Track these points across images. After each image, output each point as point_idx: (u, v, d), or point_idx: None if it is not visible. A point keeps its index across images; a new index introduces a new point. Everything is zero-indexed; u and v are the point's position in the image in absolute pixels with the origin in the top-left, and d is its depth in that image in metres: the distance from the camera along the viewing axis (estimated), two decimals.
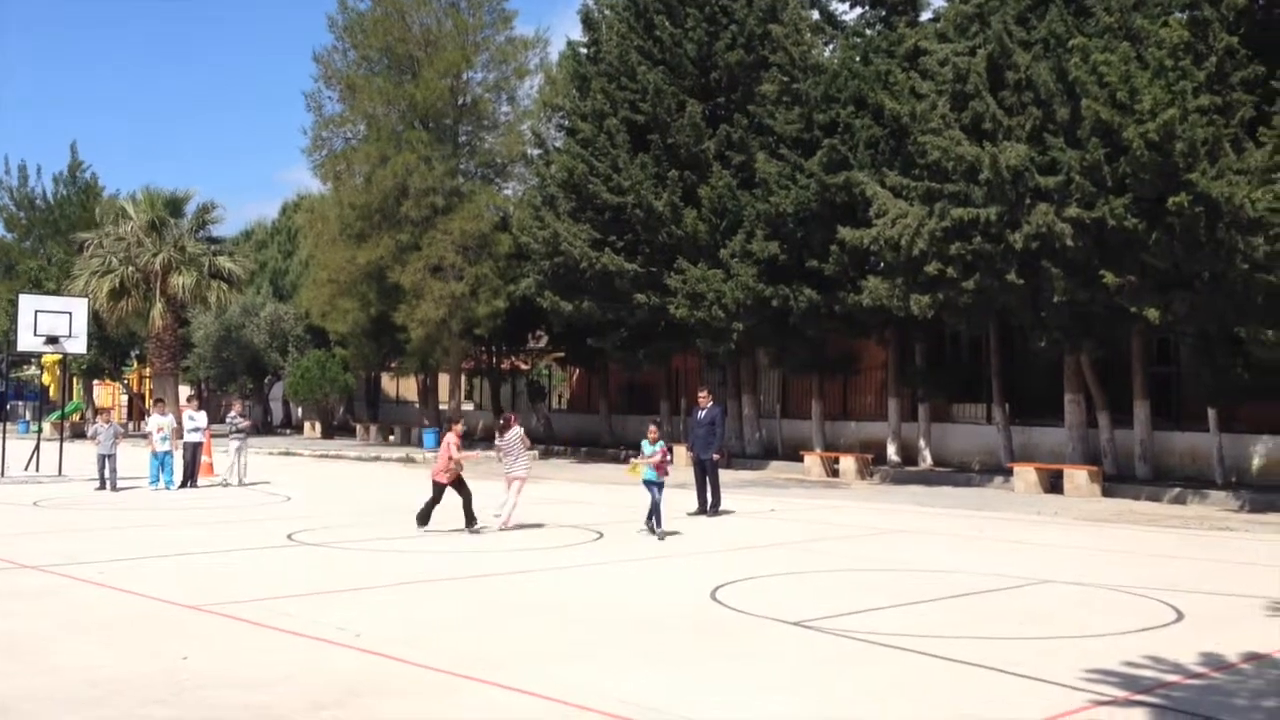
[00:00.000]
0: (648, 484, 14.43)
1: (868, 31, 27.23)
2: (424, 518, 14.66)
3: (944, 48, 22.29)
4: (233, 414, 23.19)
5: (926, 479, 24.26)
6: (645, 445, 14.75)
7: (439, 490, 14.80)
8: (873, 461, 25.82)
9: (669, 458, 14.95)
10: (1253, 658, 7.69)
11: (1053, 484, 21.65)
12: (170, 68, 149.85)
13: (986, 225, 20.02)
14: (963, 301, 21.21)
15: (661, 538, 13.89)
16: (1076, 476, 21.22)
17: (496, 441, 15.56)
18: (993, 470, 23.93)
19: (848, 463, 25.61)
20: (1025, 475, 22.07)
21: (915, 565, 12.11)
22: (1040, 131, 19.99)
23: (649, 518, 14.39)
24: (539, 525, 15.20)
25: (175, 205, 39.83)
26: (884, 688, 6.98)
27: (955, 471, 24.81)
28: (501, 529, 14.62)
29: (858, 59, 25.47)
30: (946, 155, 20.66)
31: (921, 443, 26.24)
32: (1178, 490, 19.93)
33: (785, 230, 24.99)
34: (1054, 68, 19.89)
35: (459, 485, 14.86)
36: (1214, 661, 7.63)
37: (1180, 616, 9.16)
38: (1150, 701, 6.63)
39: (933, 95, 21.62)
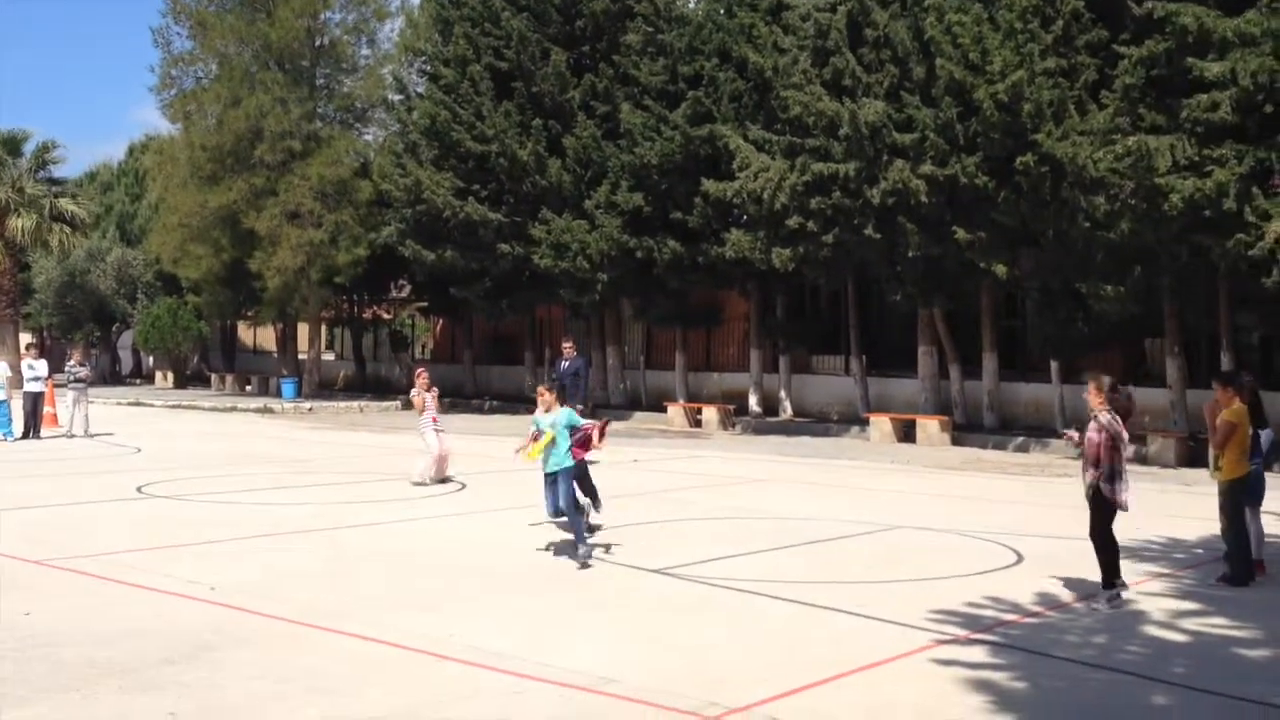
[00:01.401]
0: (553, 476, 9.62)
1: None
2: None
3: (806, 3, 22.55)
4: (71, 363, 22.26)
5: (786, 429, 24.79)
6: (539, 417, 9.84)
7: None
8: (735, 412, 26.25)
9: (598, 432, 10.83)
10: (1086, 598, 8.12)
11: (906, 433, 22.36)
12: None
13: (846, 180, 20.41)
14: (822, 255, 21.63)
15: (583, 562, 9.17)
16: (928, 426, 21.96)
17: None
18: (850, 420, 24.58)
19: (710, 413, 25.99)
20: (880, 425, 22.73)
21: (773, 513, 12.42)
22: (897, 89, 20.42)
23: (577, 533, 9.47)
24: (401, 477, 15.06)
25: (12, 144, 37.87)
26: (735, 631, 7.18)
27: (814, 421, 25.40)
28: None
29: (722, 11, 25.53)
30: (808, 110, 20.95)
31: (782, 393, 26.77)
32: (1022, 439, 20.80)
33: (650, 182, 25.05)
34: (911, 27, 20.30)
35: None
36: (1050, 601, 8.05)
37: (1020, 559, 9.62)
38: (990, 640, 6.97)
39: (795, 50, 21.87)
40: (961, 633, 7.10)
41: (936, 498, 14.06)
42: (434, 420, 14.87)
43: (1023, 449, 20.34)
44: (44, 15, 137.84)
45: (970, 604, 7.83)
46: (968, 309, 22.85)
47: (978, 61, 18.65)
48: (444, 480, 14.65)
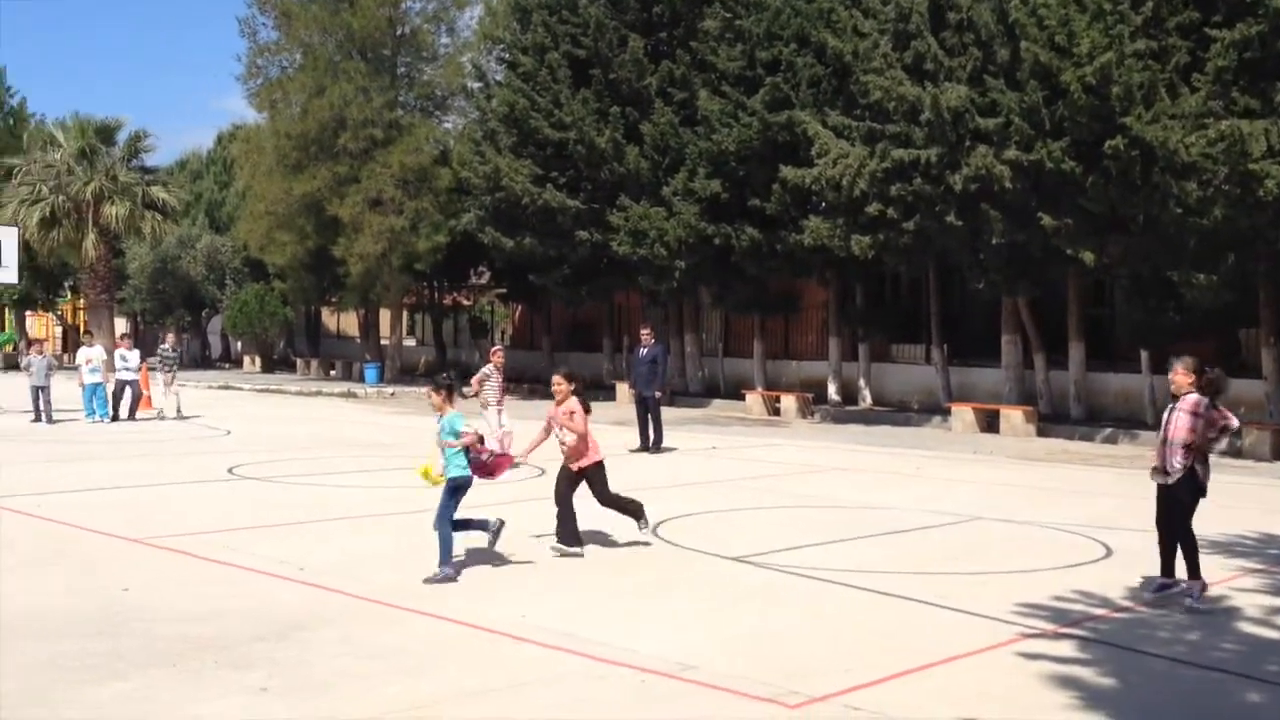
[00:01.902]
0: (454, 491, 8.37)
1: None
2: None
3: None
4: (165, 345, 22.86)
5: (866, 418, 24.59)
6: (450, 421, 8.32)
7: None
8: (813, 400, 26.08)
9: (490, 444, 9.66)
10: (1163, 592, 7.93)
11: (989, 424, 22.03)
12: None
13: (927, 166, 20.13)
14: (903, 242, 21.37)
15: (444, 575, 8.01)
16: (1012, 416, 21.61)
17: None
18: (931, 410, 24.29)
19: (788, 401, 25.86)
20: (962, 415, 22.43)
21: (852, 502, 12.33)
22: (981, 73, 20.05)
23: (442, 552, 8.16)
24: None
25: (106, 133, 38.82)
26: (817, 620, 7.14)
27: (894, 411, 25.15)
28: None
29: None
30: (888, 95, 20.68)
31: (861, 382, 26.54)
32: (1110, 430, 20.38)
33: (727, 168, 24.94)
34: (995, 9, 19.91)
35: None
36: (1140, 596, 7.89)
37: (1109, 553, 9.43)
38: (1077, 634, 6.86)
39: (875, 34, 21.59)
40: (1048, 627, 6.99)
41: (1021, 489, 13.85)
42: (499, 402, 15.02)
43: (1111, 440, 19.93)
44: (136, 6, 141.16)
45: (1057, 598, 7.70)
46: (1053, 297, 22.43)
47: (1064, 44, 18.24)
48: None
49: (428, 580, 7.89)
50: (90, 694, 5.46)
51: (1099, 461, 17.12)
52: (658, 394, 17.41)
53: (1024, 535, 10.34)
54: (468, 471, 8.29)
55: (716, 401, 28.39)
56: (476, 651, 6.32)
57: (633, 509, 9.34)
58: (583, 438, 9.04)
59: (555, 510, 8.97)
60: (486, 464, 8.40)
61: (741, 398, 27.33)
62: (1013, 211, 19.57)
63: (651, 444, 17.12)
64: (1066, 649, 6.54)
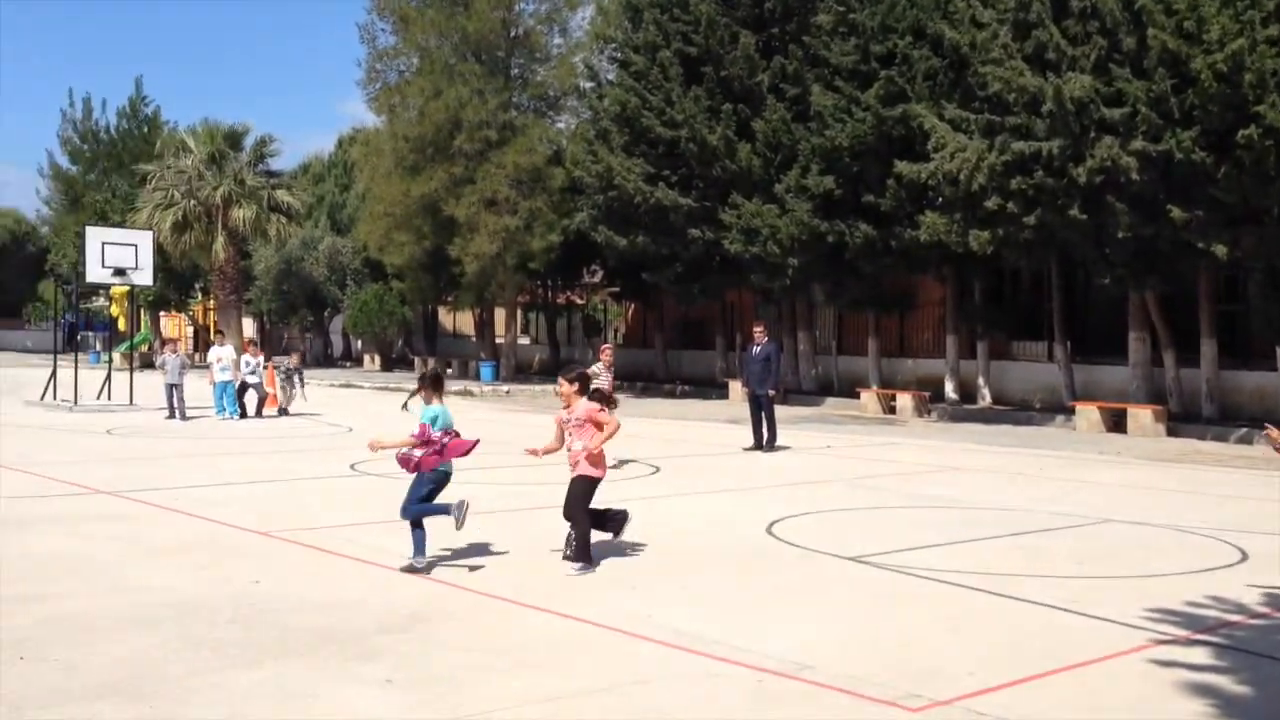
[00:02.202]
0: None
1: None
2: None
3: None
4: (288, 361, 23.83)
5: (985, 417, 24.10)
6: (426, 413, 8.35)
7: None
8: (930, 399, 25.67)
9: (437, 438, 8.21)
10: None
11: (1116, 423, 21.41)
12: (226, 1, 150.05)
13: (1049, 159, 19.64)
14: (1023, 237, 20.90)
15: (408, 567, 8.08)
16: (1140, 416, 20.97)
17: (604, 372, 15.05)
18: (1054, 409, 23.71)
19: (905, 400, 25.49)
20: (1088, 414, 21.84)
21: (973, 503, 12.10)
22: (1105, 62, 19.49)
23: (415, 546, 8.17)
24: None
25: (234, 138, 40.17)
26: (938, 623, 7.02)
27: (1015, 410, 24.61)
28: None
29: None
30: (1008, 87, 20.23)
31: (980, 380, 26.03)
32: (1245, 430, 19.62)
33: (841, 164, 24.68)
34: None
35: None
36: (1278, 602, 7.58)
37: (1244, 557, 9.09)
38: (1212, 641, 6.62)
39: (994, 24, 21.13)
40: (1181, 633, 6.76)
41: (1150, 491, 13.42)
42: None
43: (1245, 440, 19.21)
44: (261, 16, 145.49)
45: (1190, 603, 7.44)
46: (1183, 292, 21.71)
47: (1193, 30, 17.63)
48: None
49: (403, 569, 7.97)
50: (229, 681, 5.65)
51: (1233, 463, 16.51)
52: (771, 392, 17.32)
53: (1154, 538, 10.03)
54: (442, 466, 8.20)
55: (830, 400, 28.14)
56: (597, 648, 6.37)
57: (612, 526, 8.65)
58: (599, 451, 8.37)
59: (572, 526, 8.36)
60: (411, 459, 8.09)
61: (856, 396, 27.04)
62: (1140, 204, 18.98)
63: (765, 443, 17.04)
64: (1199, 656, 6.32)
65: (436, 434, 8.05)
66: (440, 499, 8.31)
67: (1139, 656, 6.30)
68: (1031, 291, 26.66)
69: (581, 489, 8.44)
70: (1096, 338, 24.64)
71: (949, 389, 26.29)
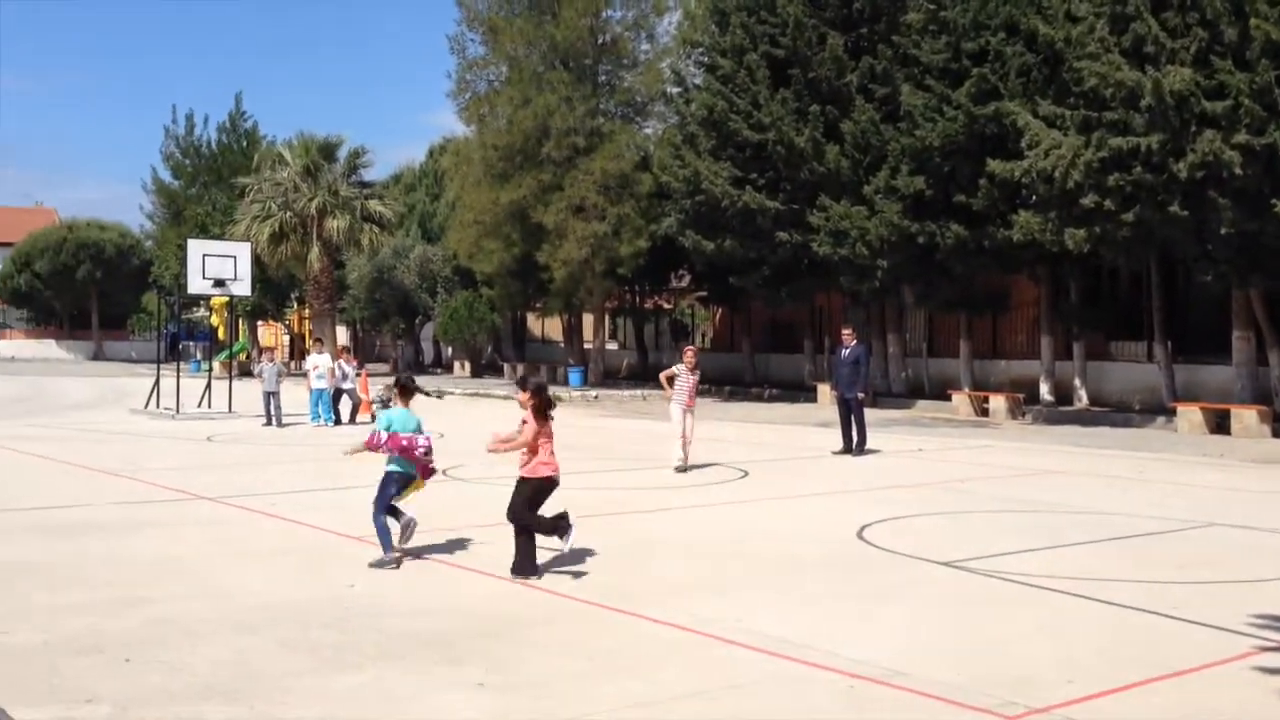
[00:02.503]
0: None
1: None
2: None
3: None
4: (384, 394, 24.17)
5: (1082, 419, 23.58)
6: (383, 417, 8.99)
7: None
8: (1024, 401, 25.19)
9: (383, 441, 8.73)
10: None
11: (1219, 424, 20.80)
12: (318, 14, 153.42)
13: (1148, 154, 19.16)
14: (1121, 235, 20.40)
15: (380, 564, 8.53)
16: (1245, 417, 20.33)
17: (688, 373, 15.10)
18: (1154, 410, 23.10)
19: (998, 402, 25.05)
20: (1189, 415, 21.25)
21: (1070, 506, 11.84)
22: (1206, 54, 18.95)
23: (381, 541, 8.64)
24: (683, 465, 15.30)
25: (328, 150, 40.95)
26: (1035, 630, 6.88)
27: (1113, 411, 24.03)
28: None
29: None
30: (1105, 81, 19.78)
31: (1076, 381, 25.47)
32: None
33: (931, 164, 24.35)
34: None
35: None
36: None
37: None
38: None
39: (1090, 18, 20.67)
40: None
41: (1257, 495, 13.01)
42: (688, 403, 14.89)
43: None
44: (356, 30, 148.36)
45: None
46: None
47: None
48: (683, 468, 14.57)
49: (372, 564, 8.40)
50: (326, 683, 5.76)
51: None
52: (860, 395, 17.16)
53: (1261, 543, 9.71)
54: (402, 468, 8.68)
55: (921, 402, 27.78)
56: (688, 653, 6.36)
57: (554, 529, 8.32)
58: (529, 448, 8.31)
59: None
60: (373, 444, 8.70)
61: (947, 398, 26.65)
62: (1244, 199, 18.42)
63: (855, 446, 16.88)
64: None
65: (384, 437, 8.64)
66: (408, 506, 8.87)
67: (1242, 664, 6.11)
68: (1130, 290, 26.01)
69: (526, 490, 8.35)
70: (1198, 337, 23.95)
71: (1044, 390, 25.76)
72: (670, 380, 15.20)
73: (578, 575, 8.25)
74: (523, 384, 8.67)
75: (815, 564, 8.82)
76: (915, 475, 14.65)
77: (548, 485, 8.43)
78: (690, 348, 16.30)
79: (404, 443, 8.62)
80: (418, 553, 9.01)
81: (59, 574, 8.21)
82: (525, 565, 8.13)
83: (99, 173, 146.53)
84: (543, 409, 8.34)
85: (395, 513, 8.66)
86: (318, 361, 22.74)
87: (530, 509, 8.30)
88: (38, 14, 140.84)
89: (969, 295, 26.93)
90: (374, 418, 22.55)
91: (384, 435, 8.60)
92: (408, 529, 8.62)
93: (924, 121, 24.12)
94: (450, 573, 8.40)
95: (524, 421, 8.36)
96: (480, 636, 6.60)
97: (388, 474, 8.67)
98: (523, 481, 8.37)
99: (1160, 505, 11.90)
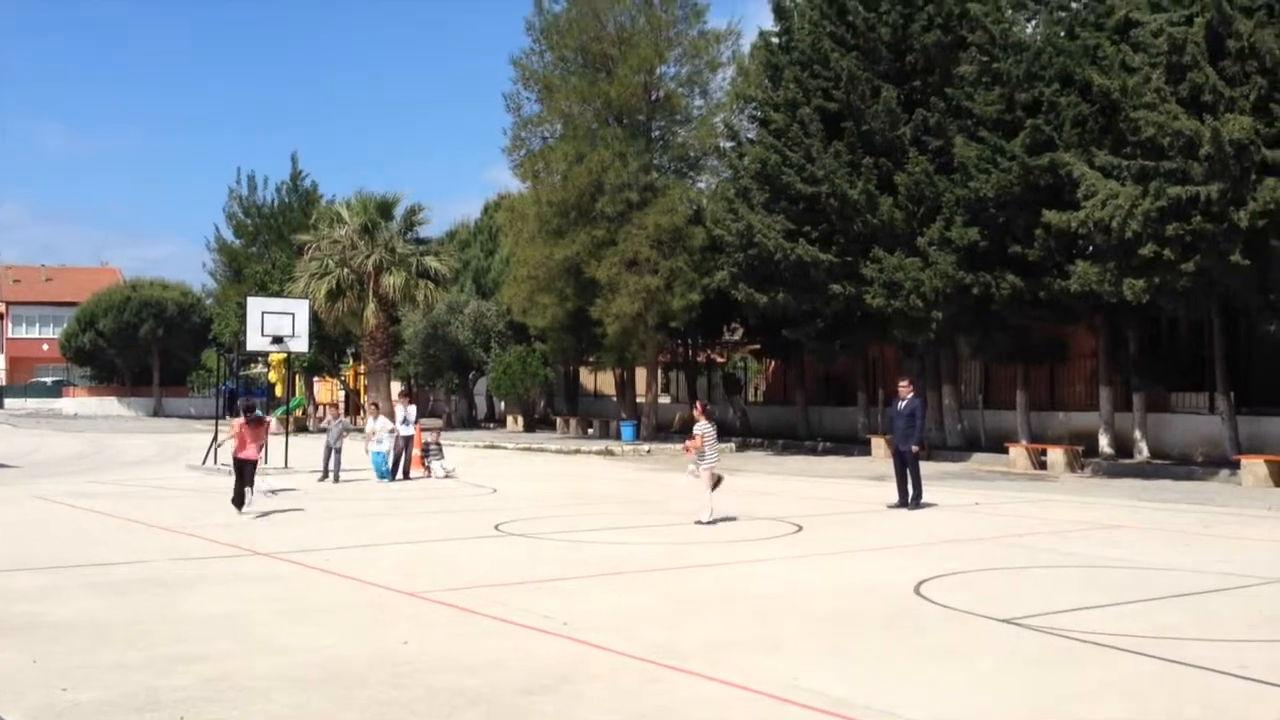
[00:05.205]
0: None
1: (1073, 4, 26.06)
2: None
3: (1157, 18, 21.15)
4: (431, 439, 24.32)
5: (1142, 472, 23.12)
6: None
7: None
8: (1083, 454, 24.78)
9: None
10: None
11: None
12: (378, 76, 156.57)
13: (1207, 203, 18.93)
14: (1181, 285, 20.12)
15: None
16: None
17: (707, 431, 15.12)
18: (1217, 463, 22.61)
19: (1056, 454, 24.66)
20: (1254, 468, 20.76)
21: (1132, 562, 11.57)
22: (1266, 102, 18.76)
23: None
24: (735, 518, 15.19)
25: (385, 208, 41.52)
26: (1098, 689, 6.70)
27: (1175, 464, 23.55)
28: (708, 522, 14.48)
29: (1063, 34, 24.44)
30: (1162, 131, 19.61)
31: (1137, 433, 25.02)
32: None
33: (985, 215, 24.22)
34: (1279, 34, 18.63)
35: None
36: None
37: None
38: None
39: (1146, 68, 20.55)
40: None
41: None
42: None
43: None
44: (414, 90, 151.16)
45: None
46: None
47: None
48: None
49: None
50: None
51: None
52: (916, 448, 16.96)
53: None
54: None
55: (977, 455, 27.41)
56: (743, 713, 6.26)
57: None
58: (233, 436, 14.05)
59: None
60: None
61: (1004, 451, 26.28)
62: None
63: (910, 500, 16.66)
64: None
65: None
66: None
67: None
68: (1191, 340, 25.59)
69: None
70: (1262, 388, 23.48)
71: (1103, 443, 25.33)
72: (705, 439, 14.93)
73: (629, 631, 8.17)
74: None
75: (872, 621, 8.68)
76: (972, 529, 14.41)
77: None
78: (700, 404, 15.96)
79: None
80: (470, 608, 8.98)
81: (117, 631, 8.28)
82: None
83: (164, 233, 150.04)
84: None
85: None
86: (376, 427, 22.87)
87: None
88: (106, 76, 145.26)
89: (1025, 346, 26.63)
90: (427, 472, 22.84)
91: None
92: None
93: (978, 173, 24.03)
94: (502, 628, 8.36)
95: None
96: (529, 693, 6.55)
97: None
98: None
99: (1226, 561, 11.59)
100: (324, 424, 23.82)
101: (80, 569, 11.17)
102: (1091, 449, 25.26)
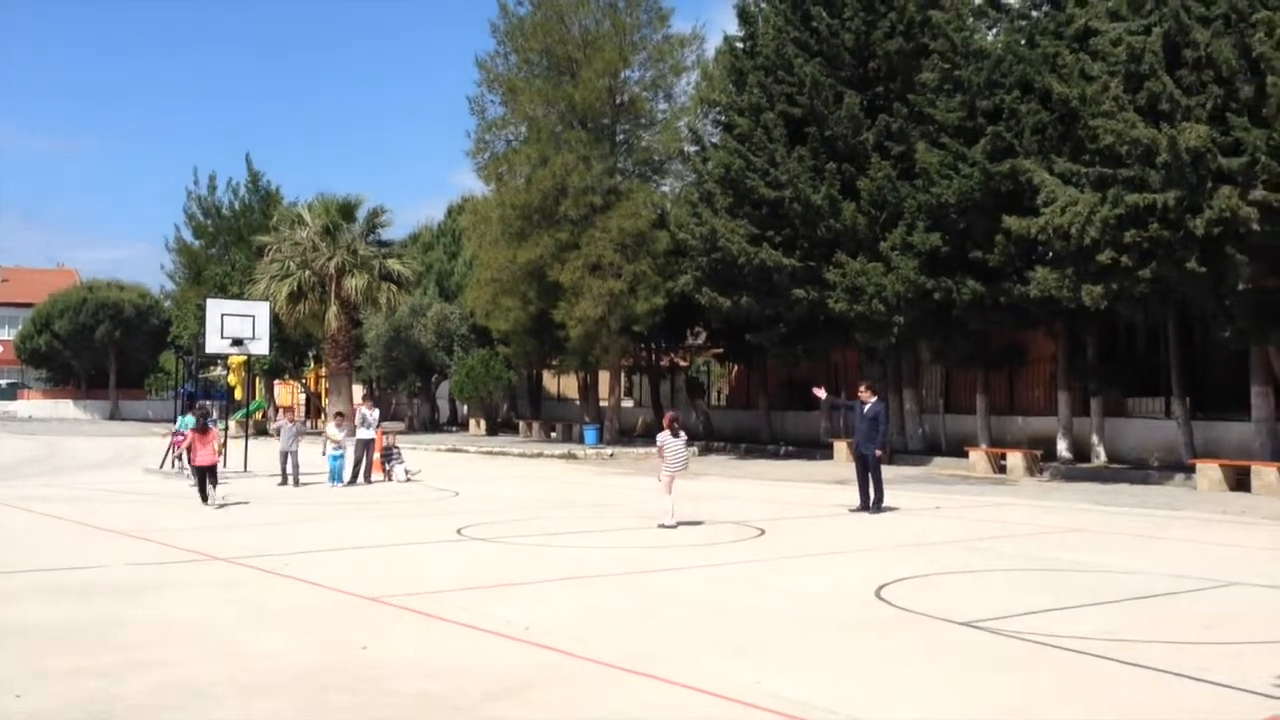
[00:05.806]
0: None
1: (1034, 13, 26.34)
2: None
3: (1116, 27, 21.40)
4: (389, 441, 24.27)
5: (1100, 476, 23.38)
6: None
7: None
8: (1042, 458, 25.01)
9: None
10: None
11: (1239, 482, 20.59)
12: (340, 77, 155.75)
13: (1164, 211, 19.17)
14: (1139, 291, 20.37)
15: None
16: (1265, 474, 20.12)
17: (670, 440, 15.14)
18: (1172, 468, 22.90)
19: (1015, 459, 24.88)
20: (1208, 472, 21.04)
21: (1090, 565, 11.69)
22: (1222, 111, 19.03)
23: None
24: (699, 522, 15.21)
25: (347, 210, 41.23)
26: (1056, 692, 6.76)
27: (1131, 469, 23.83)
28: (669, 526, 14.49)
29: (1023, 42, 24.68)
30: (1120, 139, 19.85)
31: (1094, 438, 25.30)
32: None
33: (947, 221, 24.42)
34: (1236, 44, 18.89)
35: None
36: None
37: None
38: None
39: (1104, 77, 20.79)
40: None
41: (1278, 552, 12.82)
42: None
43: None
44: (376, 94, 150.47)
45: None
46: None
47: None
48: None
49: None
50: None
51: None
52: (878, 452, 17.05)
53: None
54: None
55: (938, 459, 27.61)
56: (707, 715, 6.26)
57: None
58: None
59: None
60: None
61: (964, 455, 26.49)
62: (1262, 255, 18.41)
63: (872, 503, 16.75)
64: None
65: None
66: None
67: None
68: (1147, 346, 25.91)
69: None
70: (1217, 393, 23.81)
71: (1061, 447, 25.59)
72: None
73: (592, 635, 8.16)
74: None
75: (834, 624, 8.71)
76: (933, 533, 14.50)
77: None
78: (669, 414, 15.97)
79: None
80: (432, 613, 8.94)
81: (71, 636, 8.16)
82: None
83: (120, 234, 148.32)
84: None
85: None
86: (338, 437, 22.71)
87: None
88: (61, 74, 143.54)
89: (985, 351, 26.86)
90: (388, 475, 22.70)
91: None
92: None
93: (940, 179, 24.22)
94: (464, 633, 8.32)
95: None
96: (492, 698, 6.52)
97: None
98: None
99: (1182, 563, 11.74)
100: (274, 428, 23.59)
101: (34, 574, 11.01)
102: (1050, 453, 25.51)
